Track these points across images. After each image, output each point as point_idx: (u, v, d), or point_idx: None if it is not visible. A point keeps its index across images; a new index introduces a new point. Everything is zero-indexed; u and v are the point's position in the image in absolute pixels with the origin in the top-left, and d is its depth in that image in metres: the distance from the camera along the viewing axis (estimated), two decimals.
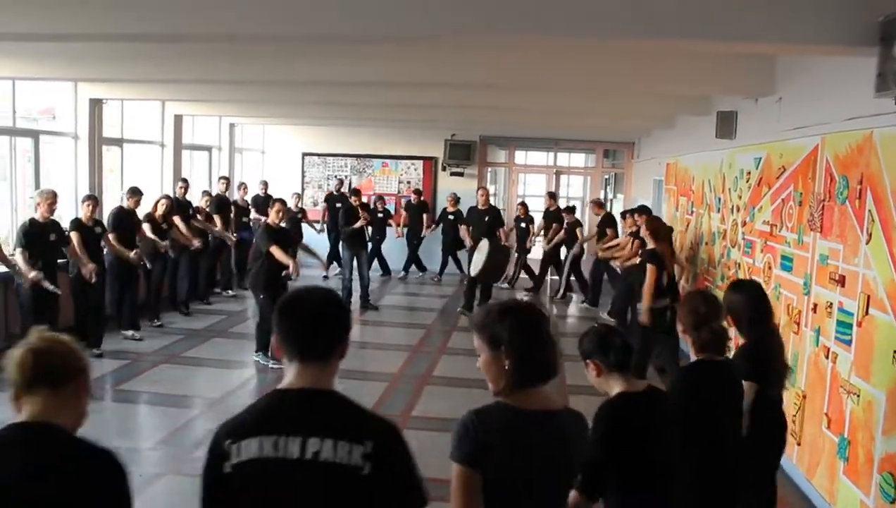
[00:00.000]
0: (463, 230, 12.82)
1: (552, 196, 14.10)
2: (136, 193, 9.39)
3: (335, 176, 15.68)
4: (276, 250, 8.01)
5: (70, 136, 9.87)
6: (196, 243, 10.56)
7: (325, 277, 14.31)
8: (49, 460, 1.93)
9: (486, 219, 12.18)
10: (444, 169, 15.91)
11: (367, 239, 12.31)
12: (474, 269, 10.80)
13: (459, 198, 14.38)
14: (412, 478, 2.05)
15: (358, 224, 11.61)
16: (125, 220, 9.14)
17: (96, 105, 9.99)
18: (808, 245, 5.71)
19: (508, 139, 16.07)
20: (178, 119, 12.34)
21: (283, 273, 8.03)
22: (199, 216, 11.30)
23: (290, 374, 2.13)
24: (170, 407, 7.03)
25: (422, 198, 15.06)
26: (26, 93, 9.30)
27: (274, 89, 9.74)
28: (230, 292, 12.43)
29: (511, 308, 2.43)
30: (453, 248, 14.45)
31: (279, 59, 7.27)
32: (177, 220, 10.27)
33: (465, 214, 13.57)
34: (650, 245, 7.54)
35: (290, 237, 8.69)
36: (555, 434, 2.32)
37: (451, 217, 14.21)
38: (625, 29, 4.61)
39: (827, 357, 5.24)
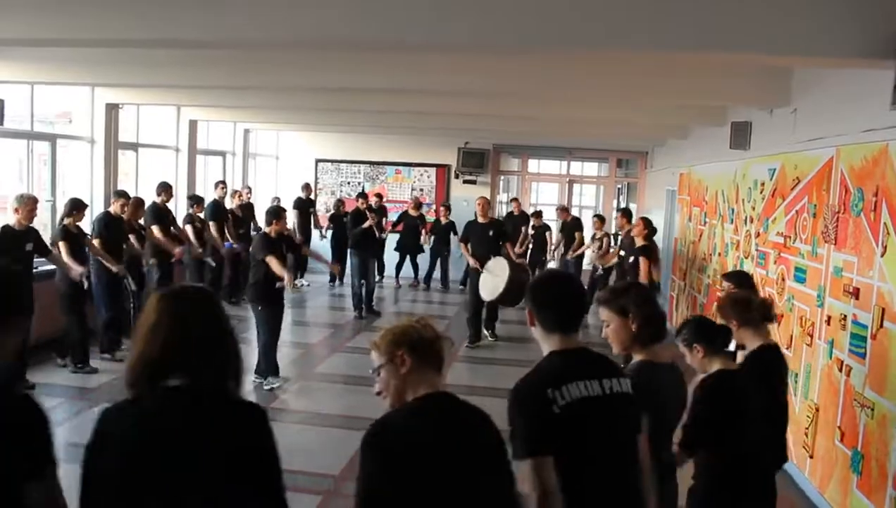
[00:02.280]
0: (462, 248, 10.30)
1: (565, 211, 14.08)
2: (122, 196, 8.69)
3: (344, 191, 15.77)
4: (272, 261, 7.40)
5: (86, 140, 9.94)
6: (177, 251, 9.54)
7: (332, 283, 14.38)
8: None
9: (490, 234, 10.03)
10: (456, 177, 15.93)
11: (377, 247, 12.16)
12: (490, 293, 8.93)
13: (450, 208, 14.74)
14: None
15: (366, 225, 11.65)
16: (111, 226, 8.32)
17: (112, 110, 10.07)
18: (822, 257, 5.68)
19: (521, 148, 16.07)
20: (193, 124, 12.43)
21: (277, 285, 7.49)
22: (193, 224, 10.51)
23: (554, 341, 2.66)
24: None
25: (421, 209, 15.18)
26: (44, 97, 9.39)
27: (288, 96, 9.79)
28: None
29: (631, 285, 3.66)
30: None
31: (294, 66, 7.31)
32: (155, 229, 9.37)
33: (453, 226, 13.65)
34: (641, 242, 8.53)
35: (290, 247, 8.20)
36: (678, 380, 3.21)
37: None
38: (641, 42, 4.61)
39: (840, 370, 5.21)
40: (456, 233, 13.52)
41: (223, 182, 12.18)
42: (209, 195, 11.82)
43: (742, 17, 4.46)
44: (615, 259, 9.72)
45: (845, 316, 5.18)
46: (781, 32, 4.43)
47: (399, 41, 4.97)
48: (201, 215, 10.80)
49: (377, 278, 12.66)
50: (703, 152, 9.99)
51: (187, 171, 12.30)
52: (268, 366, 7.65)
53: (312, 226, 14.72)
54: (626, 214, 10.67)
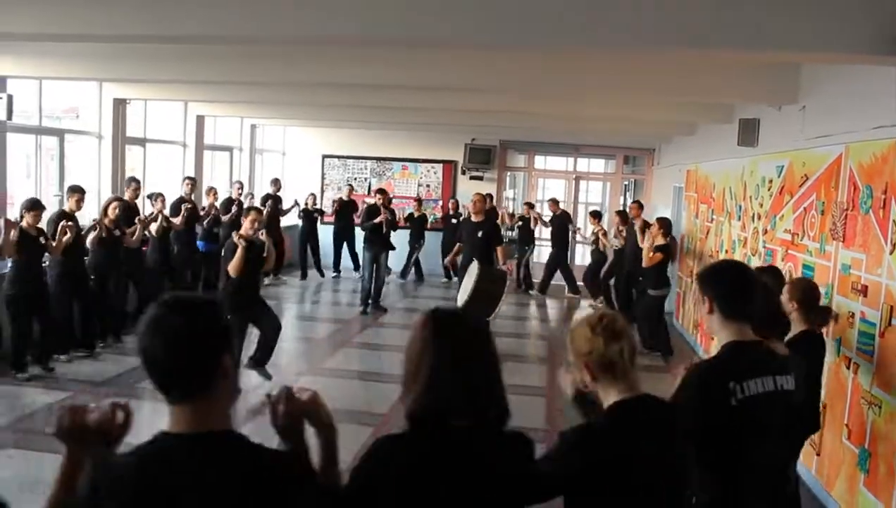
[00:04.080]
0: (456, 250, 9.70)
1: (555, 203, 14.45)
2: (76, 191, 8.00)
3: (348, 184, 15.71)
4: (232, 266, 6.96)
5: (94, 135, 9.97)
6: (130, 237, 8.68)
7: (335, 275, 14.44)
8: None
9: (480, 234, 9.11)
10: (463, 173, 15.93)
11: (389, 241, 12.09)
12: (461, 297, 8.41)
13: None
14: None
15: (377, 219, 11.64)
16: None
17: (120, 105, 10.10)
18: (830, 254, 5.67)
19: (528, 144, 16.06)
20: (201, 120, 12.46)
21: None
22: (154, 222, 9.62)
23: (733, 330, 2.79)
24: None
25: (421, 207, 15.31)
26: (52, 92, 9.41)
27: (295, 91, 9.79)
28: None
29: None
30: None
31: (301, 62, 7.31)
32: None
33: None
34: (661, 241, 9.46)
35: (261, 252, 7.38)
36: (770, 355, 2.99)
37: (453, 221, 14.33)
38: (649, 39, 4.61)
39: (848, 368, 5.19)
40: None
41: (192, 178, 11.21)
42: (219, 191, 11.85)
43: (750, 14, 4.45)
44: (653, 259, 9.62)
45: (853, 314, 5.16)
46: (790, 29, 4.42)
47: (406, 37, 4.98)
48: (166, 213, 9.90)
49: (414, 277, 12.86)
50: (710, 149, 9.96)
51: (194, 166, 12.32)
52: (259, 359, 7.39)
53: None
54: (640, 207, 11.69)
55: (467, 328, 2.11)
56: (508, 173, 16.78)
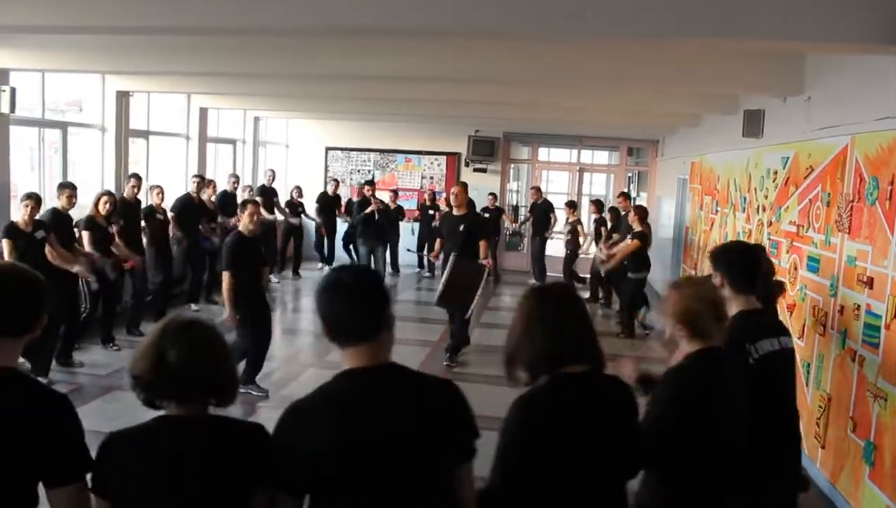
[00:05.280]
0: (437, 246, 9.13)
1: (538, 191, 14.64)
2: (66, 187, 7.59)
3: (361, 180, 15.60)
4: (226, 278, 6.75)
5: (97, 128, 9.97)
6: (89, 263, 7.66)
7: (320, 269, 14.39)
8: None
9: (461, 228, 8.54)
10: (467, 165, 15.89)
11: (384, 233, 12.04)
12: (438, 291, 8.15)
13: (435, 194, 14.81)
14: None
15: (368, 209, 11.62)
16: (59, 225, 7.40)
17: (123, 97, 10.09)
18: (835, 246, 5.64)
19: (532, 136, 16.01)
20: (204, 112, 12.45)
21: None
22: (158, 217, 9.57)
23: (741, 301, 3.30)
24: None
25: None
26: (54, 85, 9.40)
27: (299, 83, 9.77)
28: (193, 306, 10.41)
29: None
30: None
31: (304, 53, 7.29)
32: (86, 235, 7.81)
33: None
34: (637, 228, 9.99)
35: (258, 251, 7.23)
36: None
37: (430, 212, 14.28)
38: (652, 29, 4.59)
39: (853, 360, 5.17)
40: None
41: (201, 176, 10.93)
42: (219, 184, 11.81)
43: (755, 4, 4.42)
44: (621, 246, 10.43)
45: (859, 306, 5.14)
46: (795, 18, 4.39)
47: (411, 27, 4.97)
48: (165, 207, 9.77)
49: (391, 270, 12.30)
50: (714, 141, 9.93)
51: (198, 159, 12.31)
52: (249, 370, 7.01)
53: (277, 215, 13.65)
54: (626, 196, 12.24)
55: (565, 292, 2.55)
56: (512, 165, 16.75)
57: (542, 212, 14.16)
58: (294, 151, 16.55)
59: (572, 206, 13.63)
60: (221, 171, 13.72)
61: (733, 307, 3.24)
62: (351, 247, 13.60)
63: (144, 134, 11.20)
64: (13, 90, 7.81)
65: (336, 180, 14.82)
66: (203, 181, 10.70)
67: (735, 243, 4.87)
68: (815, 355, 5.86)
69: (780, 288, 4.92)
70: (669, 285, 2.98)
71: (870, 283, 5.00)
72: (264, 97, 12.12)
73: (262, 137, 15.40)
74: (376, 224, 11.77)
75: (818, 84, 6.38)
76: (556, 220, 14.23)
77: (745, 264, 3.43)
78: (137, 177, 9.33)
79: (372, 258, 11.71)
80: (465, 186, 8.97)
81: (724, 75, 6.91)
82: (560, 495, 2.30)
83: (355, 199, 13.96)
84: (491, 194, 14.72)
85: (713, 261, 3.47)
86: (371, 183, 12.72)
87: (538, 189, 14.81)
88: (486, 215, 13.49)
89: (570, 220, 13.34)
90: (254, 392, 6.92)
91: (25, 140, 9.00)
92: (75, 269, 7.28)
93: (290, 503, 2.08)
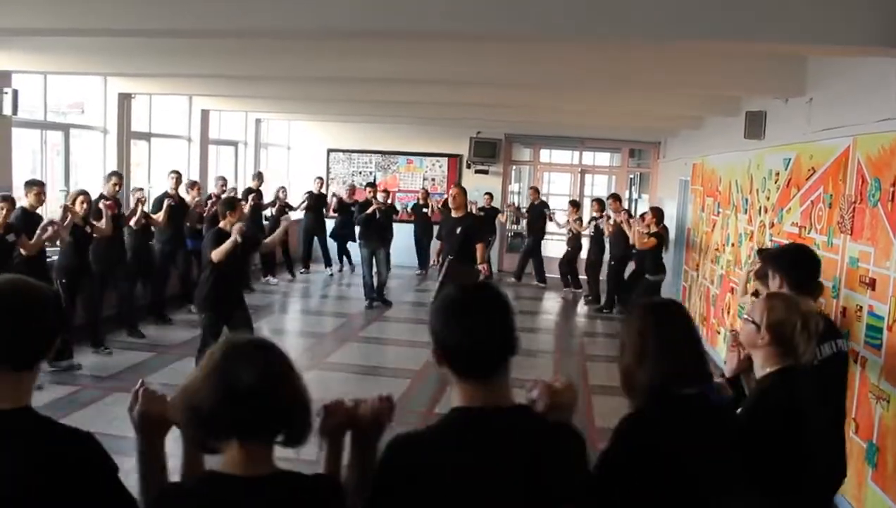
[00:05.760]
0: (438, 248, 9.13)
1: (535, 191, 14.86)
2: (34, 185, 7.33)
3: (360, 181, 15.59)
4: (217, 251, 6.54)
5: (99, 130, 9.97)
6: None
7: (331, 275, 14.36)
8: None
9: (458, 231, 8.45)
10: (468, 167, 15.91)
11: (385, 234, 12.00)
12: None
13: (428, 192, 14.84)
14: None
15: (370, 210, 11.65)
16: (28, 224, 7.09)
17: (125, 99, 10.10)
18: (837, 247, 5.63)
19: (533, 138, 16.01)
20: (205, 114, 12.46)
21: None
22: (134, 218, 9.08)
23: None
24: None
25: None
26: (56, 87, 9.41)
27: (300, 85, 9.78)
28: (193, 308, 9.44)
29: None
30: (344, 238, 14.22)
31: (306, 56, 7.30)
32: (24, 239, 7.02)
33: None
34: (653, 229, 10.38)
35: (251, 245, 7.11)
36: None
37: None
38: (655, 31, 4.58)
39: (856, 362, 5.16)
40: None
41: (177, 171, 10.23)
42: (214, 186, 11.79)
43: (756, 5, 4.42)
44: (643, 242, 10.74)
45: (861, 307, 5.13)
46: (797, 20, 4.39)
47: (412, 29, 4.97)
48: (146, 209, 9.43)
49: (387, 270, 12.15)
50: (716, 142, 9.92)
51: (199, 160, 12.32)
52: None
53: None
54: (616, 198, 12.62)
55: (678, 311, 2.44)
56: (514, 167, 16.75)
57: (537, 212, 14.30)
58: (296, 153, 16.56)
59: (575, 205, 13.78)
60: (223, 173, 13.74)
61: None
62: (348, 245, 13.65)
63: (146, 136, 11.20)
64: (15, 92, 7.82)
65: (321, 179, 14.61)
66: (180, 177, 10.13)
67: (795, 245, 4.76)
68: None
69: (820, 289, 4.92)
70: (762, 297, 2.95)
71: (872, 284, 5.00)
72: (266, 99, 12.12)
73: (263, 139, 15.41)
74: (377, 225, 11.77)
75: (820, 86, 6.38)
76: (551, 219, 14.34)
77: (810, 265, 3.50)
78: (118, 175, 8.90)
79: (374, 261, 11.67)
80: (463, 189, 8.92)
81: (726, 77, 6.90)
82: None
83: (346, 200, 14.09)
84: (487, 193, 14.75)
85: (774, 262, 3.49)
86: (373, 185, 12.74)
87: (536, 189, 14.96)
88: (482, 214, 13.59)
89: (572, 219, 13.49)
90: None
91: (27, 142, 9.01)
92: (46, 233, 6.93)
93: None
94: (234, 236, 6.56)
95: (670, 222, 12.57)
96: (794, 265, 3.43)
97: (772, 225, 7.29)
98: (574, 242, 13.54)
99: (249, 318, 7.08)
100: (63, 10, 5.15)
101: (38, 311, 1.86)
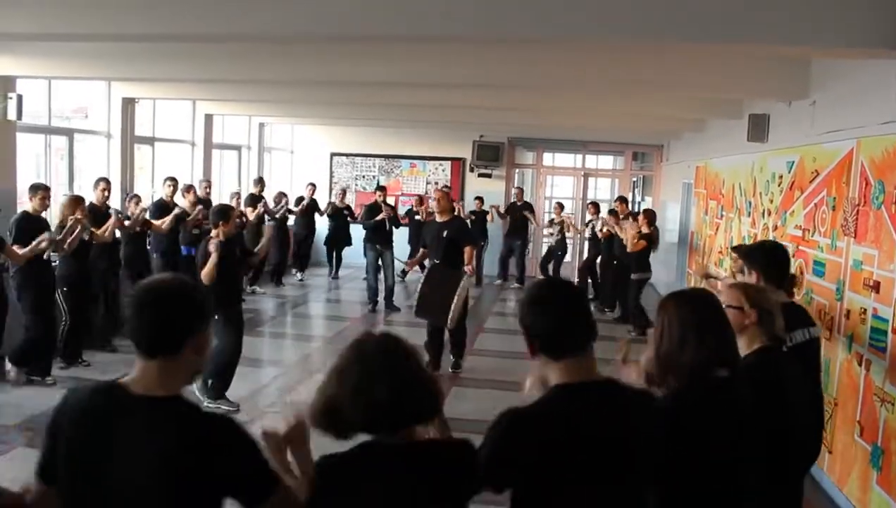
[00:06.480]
0: (419, 255, 8.94)
1: (520, 191, 14.83)
2: (39, 189, 7.18)
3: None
4: (205, 273, 6.35)
5: (103, 134, 9.99)
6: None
7: (335, 277, 14.32)
8: None
9: (444, 235, 8.08)
10: (471, 170, 15.90)
11: (391, 238, 11.96)
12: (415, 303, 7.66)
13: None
14: None
15: (379, 217, 11.64)
16: (31, 228, 6.99)
17: (129, 104, 10.11)
18: (841, 250, 5.63)
19: (536, 141, 16.01)
20: (209, 118, 12.47)
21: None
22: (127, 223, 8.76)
23: (779, 295, 3.49)
24: None
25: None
26: (60, 92, 9.43)
27: (303, 89, 9.79)
28: None
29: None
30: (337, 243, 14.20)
31: (309, 60, 7.31)
32: (16, 249, 6.82)
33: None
34: (645, 230, 10.47)
35: (234, 254, 6.82)
36: None
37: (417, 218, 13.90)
38: (658, 34, 4.59)
39: (860, 365, 5.16)
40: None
41: (172, 178, 10.07)
42: (224, 190, 11.81)
43: (760, 8, 4.42)
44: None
45: (865, 310, 5.13)
46: (800, 23, 4.39)
47: (413, 33, 4.97)
48: (146, 216, 9.15)
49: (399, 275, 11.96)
50: (719, 145, 9.92)
51: (203, 165, 12.34)
52: (218, 383, 6.66)
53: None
54: (623, 201, 12.68)
55: (713, 299, 2.64)
56: (517, 170, 16.74)
57: (521, 214, 14.34)
58: (299, 157, 16.57)
59: (559, 206, 14.16)
60: (227, 177, 13.77)
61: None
62: (349, 249, 13.64)
63: (150, 140, 11.22)
64: (20, 97, 7.84)
65: (313, 185, 14.24)
66: (176, 184, 9.95)
67: (768, 241, 5.22)
68: (821, 359, 5.83)
69: (793, 282, 5.05)
70: (733, 285, 3.22)
71: (876, 287, 4.99)
72: (269, 103, 12.15)
73: (267, 144, 15.42)
74: (385, 230, 11.75)
75: (823, 88, 6.38)
76: (530, 221, 14.43)
77: (782, 259, 3.75)
78: (106, 181, 8.59)
79: (381, 265, 11.66)
80: (446, 192, 8.60)
81: (729, 80, 6.91)
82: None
83: (339, 204, 14.08)
84: (477, 197, 14.72)
85: (748, 258, 3.72)
86: (382, 188, 12.72)
87: (521, 190, 15.04)
88: (472, 218, 13.58)
89: (557, 220, 13.80)
90: (224, 407, 6.47)
91: (32, 147, 9.03)
92: (43, 244, 6.81)
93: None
94: (213, 256, 6.39)
95: (674, 224, 12.57)
96: (767, 261, 3.66)
97: (775, 228, 7.28)
98: (560, 244, 13.77)
99: (241, 335, 6.82)
100: (67, 15, 5.17)
101: (181, 304, 2.05)
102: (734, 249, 4.27)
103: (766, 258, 3.69)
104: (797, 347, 3.45)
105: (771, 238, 7.36)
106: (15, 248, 6.78)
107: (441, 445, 2.18)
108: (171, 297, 2.05)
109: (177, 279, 2.13)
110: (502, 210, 14.69)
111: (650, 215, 10.86)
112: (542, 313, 2.22)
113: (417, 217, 13.80)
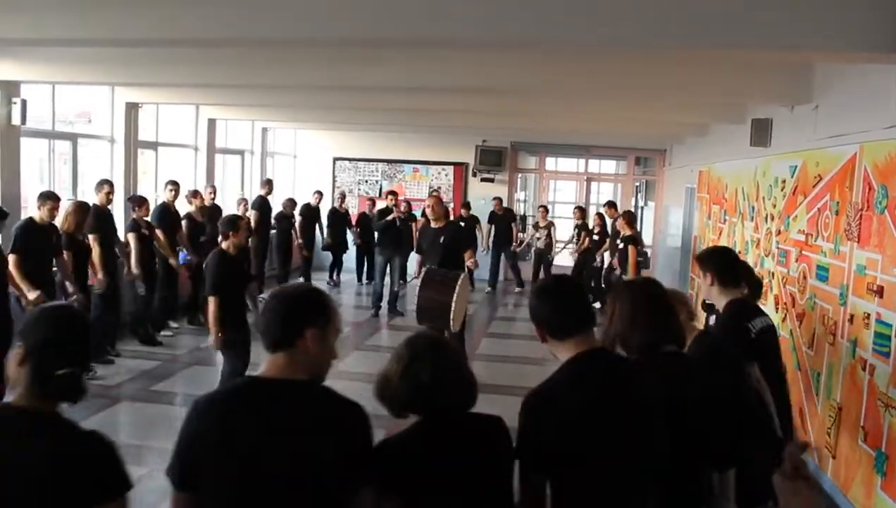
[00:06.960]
0: (417, 265, 8.76)
1: (499, 201, 14.88)
2: (48, 198, 7.07)
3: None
4: (212, 303, 6.05)
5: (106, 139, 10.01)
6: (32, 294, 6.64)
7: (333, 283, 14.29)
8: None
9: (442, 240, 7.96)
10: (474, 175, 15.90)
11: (402, 243, 11.87)
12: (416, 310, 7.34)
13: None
14: None
15: (390, 217, 11.64)
16: (36, 237, 6.92)
17: (132, 109, 10.14)
18: (844, 255, 5.62)
19: (539, 146, 16.01)
20: (212, 123, 12.49)
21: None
22: (138, 232, 8.79)
23: (733, 292, 3.86)
24: None
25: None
26: (64, 97, 9.45)
27: (306, 94, 9.80)
28: (173, 324, 9.87)
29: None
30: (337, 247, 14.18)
31: (312, 64, 7.31)
32: (11, 259, 6.69)
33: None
34: (627, 232, 10.35)
35: (242, 269, 6.69)
36: None
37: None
38: (662, 39, 4.58)
39: (864, 369, 5.14)
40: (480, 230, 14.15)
41: (174, 182, 9.78)
42: (227, 195, 11.80)
43: (763, 12, 4.42)
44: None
45: (869, 315, 5.12)
46: (802, 28, 4.38)
47: (415, 37, 4.97)
48: (147, 220, 9.03)
49: (401, 281, 11.56)
50: (722, 150, 9.91)
51: (206, 169, 12.36)
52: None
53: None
54: (612, 205, 13.16)
55: (658, 286, 2.96)
56: (520, 175, 16.75)
57: (504, 222, 14.55)
58: (302, 161, 16.59)
59: (544, 209, 14.42)
60: (230, 182, 13.78)
61: (723, 300, 3.84)
62: (355, 258, 13.65)
63: (153, 145, 11.25)
64: (24, 102, 7.87)
65: (319, 193, 14.27)
66: (178, 188, 9.75)
67: (717, 247, 5.68)
68: (824, 364, 5.83)
69: (760, 287, 5.15)
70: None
71: (880, 292, 4.98)
72: (272, 108, 12.16)
73: (270, 148, 15.44)
74: (395, 233, 11.69)
75: (826, 93, 6.37)
76: (517, 230, 14.66)
77: (730, 260, 4.05)
78: (110, 183, 8.49)
79: (389, 268, 11.63)
80: (439, 198, 8.48)
81: (732, 85, 6.90)
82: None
83: (339, 209, 14.10)
84: (465, 205, 14.71)
85: (702, 262, 4.01)
86: (394, 193, 12.77)
87: (500, 200, 14.88)
88: (462, 224, 13.51)
89: (542, 224, 14.07)
90: None
91: (35, 151, 9.06)
92: (32, 296, 6.51)
93: (540, 481, 2.38)
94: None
95: (677, 229, 12.57)
96: (719, 264, 3.94)
97: (778, 232, 7.27)
98: (548, 249, 13.93)
99: (249, 339, 6.29)
100: (71, 21, 5.18)
101: (296, 305, 2.35)
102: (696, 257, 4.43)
103: (719, 262, 3.99)
104: (761, 333, 3.81)
105: (774, 243, 7.36)
106: (11, 260, 6.62)
107: (477, 419, 2.41)
108: (292, 302, 2.37)
109: (300, 289, 2.48)
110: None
111: (630, 217, 10.90)
112: (546, 300, 2.55)
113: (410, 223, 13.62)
